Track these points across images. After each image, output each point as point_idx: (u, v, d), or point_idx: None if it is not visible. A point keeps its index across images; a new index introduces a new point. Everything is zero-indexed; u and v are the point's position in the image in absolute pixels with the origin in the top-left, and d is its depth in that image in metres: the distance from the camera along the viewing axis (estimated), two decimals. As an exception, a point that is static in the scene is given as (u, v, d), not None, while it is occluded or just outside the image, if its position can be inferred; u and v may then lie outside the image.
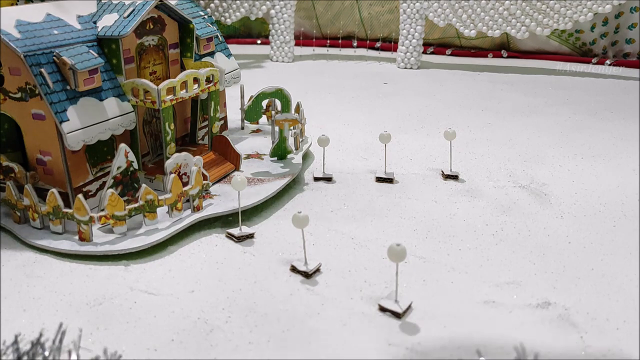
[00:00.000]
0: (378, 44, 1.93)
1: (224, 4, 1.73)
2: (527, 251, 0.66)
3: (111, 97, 0.72)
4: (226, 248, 0.67)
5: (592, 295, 0.58)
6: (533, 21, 1.54)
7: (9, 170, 0.71)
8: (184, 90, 0.76)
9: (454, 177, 0.86)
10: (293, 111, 0.88)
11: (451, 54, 1.87)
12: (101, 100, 0.70)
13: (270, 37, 1.75)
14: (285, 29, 1.72)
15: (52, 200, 0.64)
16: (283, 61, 1.74)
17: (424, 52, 1.82)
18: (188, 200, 0.70)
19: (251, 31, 2.06)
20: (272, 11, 1.70)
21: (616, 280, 0.60)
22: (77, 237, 0.65)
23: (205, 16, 0.91)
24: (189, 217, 0.69)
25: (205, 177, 0.72)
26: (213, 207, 0.72)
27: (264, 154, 0.88)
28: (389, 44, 1.88)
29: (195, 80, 0.78)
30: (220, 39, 0.94)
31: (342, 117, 1.18)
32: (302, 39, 1.95)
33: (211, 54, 0.90)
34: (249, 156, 0.88)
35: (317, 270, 0.62)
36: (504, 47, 1.85)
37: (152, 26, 0.77)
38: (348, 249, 0.67)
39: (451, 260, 0.64)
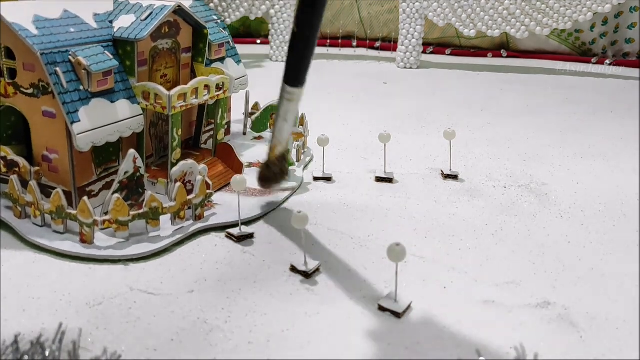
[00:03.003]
0: (378, 44, 1.93)
1: (223, 4, 1.73)
2: (526, 251, 0.66)
3: (122, 99, 0.71)
4: (226, 248, 0.66)
5: (592, 295, 0.58)
6: (533, 21, 1.54)
7: (13, 165, 0.70)
8: (194, 97, 0.76)
9: (454, 177, 0.86)
10: (297, 123, 0.88)
11: (451, 54, 1.87)
12: (112, 102, 0.70)
13: (269, 37, 1.75)
14: (285, 28, 1.71)
15: (57, 200, 0.64)
16: (282, 61, 1.74)
17: (424, 52, 1.82)
18: (190, 208, 0.70)
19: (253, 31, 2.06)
20: (272, 11, 1.70)
21: (616, 280, 0.60)
22: (78, 238, 0.65)
23: (219, 21, 0.90)
24: (191, 226, 0.69)
25: (208, 186, 0.72)
26: (214, 217, 0.71)
27: None
28: (389, 43, 1.88)
29: (206, 87, 0.77)
30: (231, 44, 0.93)
31: (342, 117, 1.18)
32: (302, 39, 1.94)
33: (222, 59, 0.89)
34: (250, 165, 0.87)
35: (317, 270, 0.62)
36: (504, 47, 1.85)
37: (167, 30, 0.76)
38: (348, 249, 0.67)
39: (451, 260, 0.64)
